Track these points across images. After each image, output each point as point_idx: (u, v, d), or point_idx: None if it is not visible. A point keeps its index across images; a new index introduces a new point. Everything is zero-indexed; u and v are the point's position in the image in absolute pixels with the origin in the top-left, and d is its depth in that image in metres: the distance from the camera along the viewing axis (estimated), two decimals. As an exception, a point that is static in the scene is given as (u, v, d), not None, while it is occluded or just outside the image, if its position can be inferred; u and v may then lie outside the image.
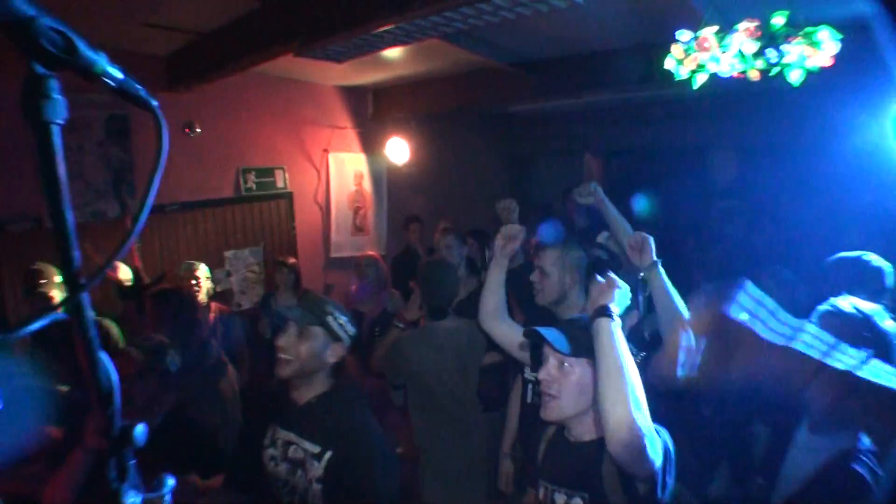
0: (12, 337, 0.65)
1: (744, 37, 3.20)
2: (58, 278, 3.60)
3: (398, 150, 6.42)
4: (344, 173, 6.55)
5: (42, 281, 3.60)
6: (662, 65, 3.46)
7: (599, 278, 1.90)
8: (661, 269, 2.47)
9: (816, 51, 3.10)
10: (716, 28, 3.23)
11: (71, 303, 0.67)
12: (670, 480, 1.72)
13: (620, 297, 1.82)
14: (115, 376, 0.71)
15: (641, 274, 2.55)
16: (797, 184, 6.23)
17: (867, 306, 1.98)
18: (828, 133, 5.70)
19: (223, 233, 5.37)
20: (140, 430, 0.73)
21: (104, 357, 0.71)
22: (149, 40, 4.33)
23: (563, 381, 1.86)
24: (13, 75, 0.66)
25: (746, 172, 7.53)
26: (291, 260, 5.08)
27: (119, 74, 0.70)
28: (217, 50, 4.32)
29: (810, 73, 3.22)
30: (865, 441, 1.89)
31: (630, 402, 1.60)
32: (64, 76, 0.63)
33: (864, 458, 1.85)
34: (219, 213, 5.38)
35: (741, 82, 3.41)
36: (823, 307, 2.03)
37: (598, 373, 1.67)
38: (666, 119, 7.38)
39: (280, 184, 5.88)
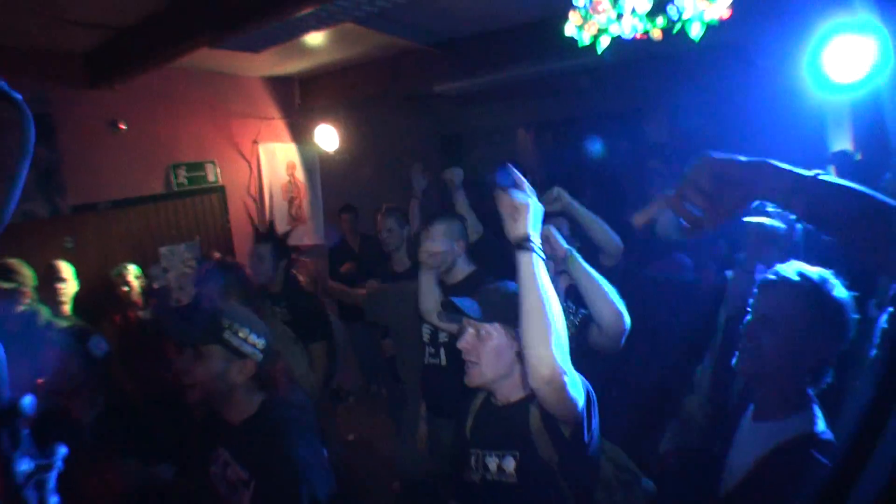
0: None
1: (635, -4, 3.29)
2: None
3: (328, 137, 6.49)
4: (276, 164, 6.59)
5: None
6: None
7: (502, 195, 1.67)
8: (578, 256, 2.37)
9: (710, 3, 3.22)
10: (607, -11, 3.28)
11: None
12: (595, 425, 1.74)
13: (534, 215, 1.66)
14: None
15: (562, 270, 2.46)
16: (727, 140, 6.47)
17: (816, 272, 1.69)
18: (748, 87, 5.95)
19: (157, 229, 5.38)
20: (28, 401, 0.75)
21: None
22: (67, 38, 4.32)
23: (481, 347, 1.90)
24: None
25: (678, 133, 7.75)
26: (228, 258, 5.11)
27: None
28: (136, 45, 4.33)
29: (710, 27, 3.37)
30: (828, 433, 1.63)
31: (551, 340, 1.57)
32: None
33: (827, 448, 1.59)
34: (151, 210, 5.38)
35: (650, 44, 3.52)
36: (769, 276, 1.78)
37: (521, 309, 1.61)
38: (594, 87, 7.45)
39: (211, 178, 5.90)
